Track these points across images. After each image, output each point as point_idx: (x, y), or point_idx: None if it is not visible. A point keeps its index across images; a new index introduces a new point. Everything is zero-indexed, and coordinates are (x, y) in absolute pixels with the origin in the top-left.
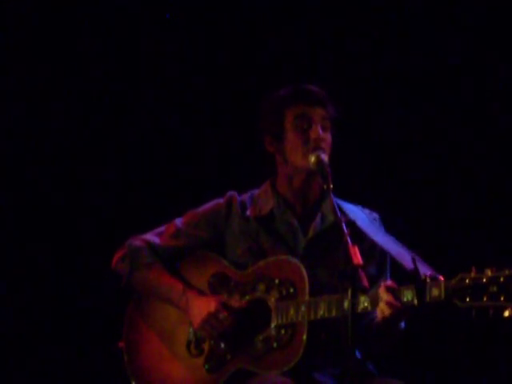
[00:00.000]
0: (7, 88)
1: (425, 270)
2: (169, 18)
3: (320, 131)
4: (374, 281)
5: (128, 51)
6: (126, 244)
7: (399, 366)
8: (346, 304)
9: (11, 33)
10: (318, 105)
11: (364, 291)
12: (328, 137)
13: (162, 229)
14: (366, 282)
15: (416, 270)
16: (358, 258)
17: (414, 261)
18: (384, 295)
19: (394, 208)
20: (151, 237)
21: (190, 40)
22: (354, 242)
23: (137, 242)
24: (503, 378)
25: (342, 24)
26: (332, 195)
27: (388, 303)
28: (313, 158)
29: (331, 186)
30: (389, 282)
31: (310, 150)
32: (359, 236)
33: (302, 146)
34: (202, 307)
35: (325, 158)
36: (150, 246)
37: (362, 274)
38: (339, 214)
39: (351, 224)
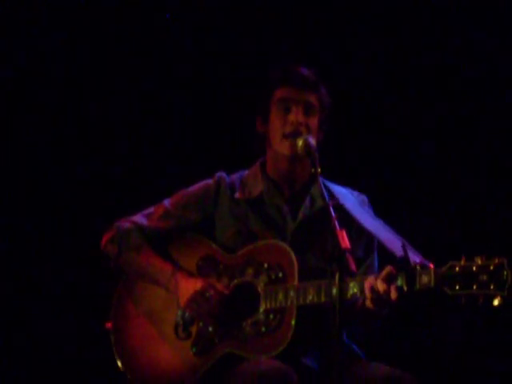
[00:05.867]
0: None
1: (414, 257)
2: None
3: (300, 114)
4: (361, 263)
5: (126, 50)
6: (115, 226)
7: (386, 350)
8: (334, 290)
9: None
10: (304, 88)
11: (352, 275)
12: (312, 121)
13: (150, 210)
14: (353, 266)
15: (406, 256)
16: (345, 241)
17: (403, 247)
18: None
19: (384, 191)
20: (140, 218)
21: (182, 29)
22: (341, 226)
23: (125, 223)
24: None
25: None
26: (321, 178)
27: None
28: (300, 142)
29: (319, 170)
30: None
31: (286, 133)
32: (347, 219)
33: (280, 129)
34: (189, 287)
35: (312, 141)
36: (138, 227)
37: (350, 258)
38: (327, 197)
39: (339, 208)
